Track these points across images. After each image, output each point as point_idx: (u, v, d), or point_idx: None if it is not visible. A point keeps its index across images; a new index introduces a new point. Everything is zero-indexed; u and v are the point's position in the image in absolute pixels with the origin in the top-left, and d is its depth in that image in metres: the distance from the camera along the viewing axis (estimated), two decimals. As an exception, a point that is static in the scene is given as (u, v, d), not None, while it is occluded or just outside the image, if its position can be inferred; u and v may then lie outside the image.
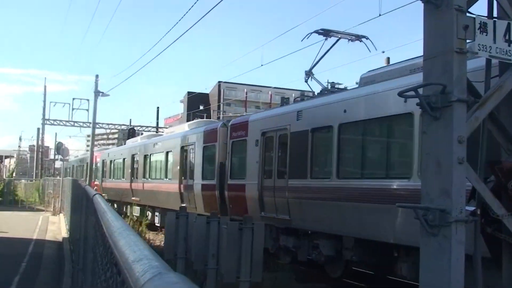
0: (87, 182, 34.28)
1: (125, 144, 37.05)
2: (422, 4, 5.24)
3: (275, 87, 74.51)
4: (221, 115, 63.38)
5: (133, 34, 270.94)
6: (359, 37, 16.20)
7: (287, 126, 14.53)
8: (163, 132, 40.18)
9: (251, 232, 10.87)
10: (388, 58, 34.72)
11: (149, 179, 26.22)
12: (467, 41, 5.02)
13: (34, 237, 20.61)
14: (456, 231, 4.67)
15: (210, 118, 61.12)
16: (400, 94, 5.18)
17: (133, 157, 29.00)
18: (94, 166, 38.76)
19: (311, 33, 15.81)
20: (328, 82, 17.05)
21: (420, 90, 5.06)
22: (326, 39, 16.15)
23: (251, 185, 15.93)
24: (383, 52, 34.53)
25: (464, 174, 4.82)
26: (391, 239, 10.78)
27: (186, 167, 21.31)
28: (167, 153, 23.75)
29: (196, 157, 20.40)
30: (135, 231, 2.37)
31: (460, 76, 4.92)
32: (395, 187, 10.84)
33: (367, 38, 16.17)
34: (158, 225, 24.66)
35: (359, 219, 11.81)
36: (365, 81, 13.07)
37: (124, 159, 30.96)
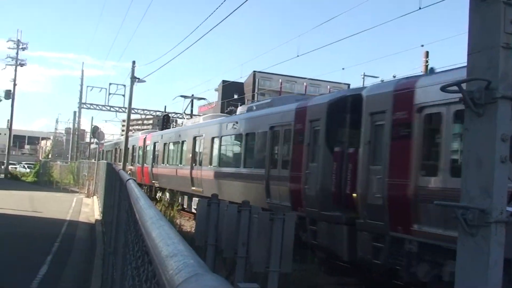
0: (122, 167, 34.67)
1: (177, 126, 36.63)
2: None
3: (310, 79, 74.16)
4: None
5: (171, 21, 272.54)
6: None
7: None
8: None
9: (282, 223, 10.82)
10: (427, 52, 34.22)
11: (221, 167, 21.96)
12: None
13: (68, 218, 20.93)
14: (496, 232, 4.52)
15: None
16: (443, 88, 5.03)
17: (195, 139, 25.25)
18: (142, 150, 35.30)
19: None
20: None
21: (464, 86, 4.91)
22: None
23: None
24: (422, 46, 34.07)
25: (506, 173, 4.66)
26: None
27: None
28: (247, 135, 19.81)
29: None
30: (168, 221, 2.31)
31: (506, 72, 4.75)
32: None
33: None
34: None
35: None
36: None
37: (183, 141, 27.14)
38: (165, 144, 30.59)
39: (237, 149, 21.61)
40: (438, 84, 8.43)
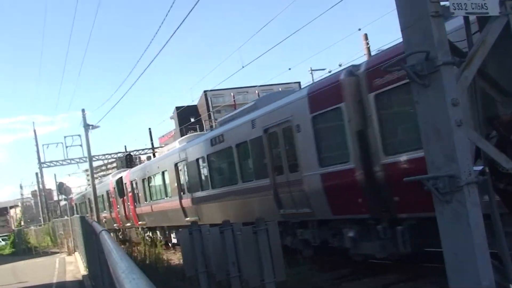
0: (95, 216, 34.15)
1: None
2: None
3: (260, 85, 74.48)
4: (214, 124, 63.29)
5: (112, 60, 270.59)
6: None
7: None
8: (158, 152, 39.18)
9: (266, 233, 10.83)
10: (366, 35, 34.74)
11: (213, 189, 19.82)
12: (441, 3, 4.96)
13: (54, 281, 20.53)
14: (470, 194, 4.61)
15: (203, 129, 61.04)
16: (386, 69, 5.12)
17: (177, 166, 23.16)
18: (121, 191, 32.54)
19: None
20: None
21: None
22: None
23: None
24: (359, 29, 34.64)
25: (465, 136, 4.76)
26: None
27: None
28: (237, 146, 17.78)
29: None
30: (141, 272, 2.28)
31: (441, 39, 4.86)
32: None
33: None
34: None
35: None
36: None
37: (163, 171, 25.04)
38: (143, 180, 28.19)
39: (229, 164, 18.59)
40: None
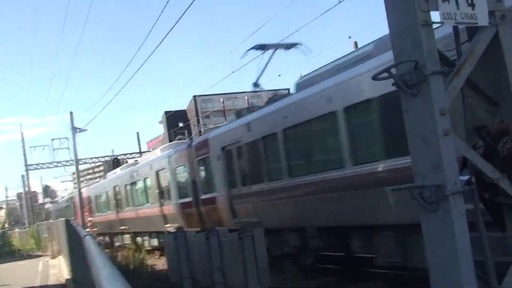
0: (80, 220, 34.01)
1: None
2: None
3: (250, 91, 74.41)
4: (202, 129, 63.17)
5: (102, 64, 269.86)
6: (293, 45, 17.72)
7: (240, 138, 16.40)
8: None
9: (252, 239, 10.80)
10: (356, 43, 34.89)
11: (133, 207, 27.98)
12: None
13: (37, 284, 20.34)
14: (455, 204, 4.61)
15: (191, 134, 60.87)
16: (375, 77, 5.12)
17: (114, 188, 31.57)
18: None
19: (249, 50, 17.10)
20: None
21: (394, 71, 5.01)
22: (263, 52, 17.35)
23: (221, 196, 17.83)
24: (350, 37, 34.83)
25: (452, 145, 4.76)
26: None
27: (163, 189, 23.56)
28: (144, 179, 25.91)
29: (170, 179, 22.49)
30: (124, 279, 2.24)
31: (431, 48, 4.87)
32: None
33: (301, 44, 17.70)
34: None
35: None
36: (300, 87, 14.16)
37: (107, 192, 33.47)
38: (95, 196, 36.68)
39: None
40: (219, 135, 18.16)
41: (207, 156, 18.61)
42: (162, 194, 23.22)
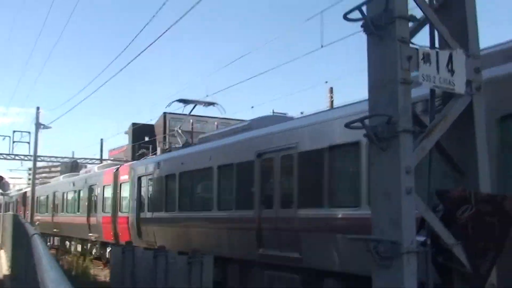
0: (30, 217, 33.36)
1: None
2: (366, 35, 5.27)
3: (221, 118, 74.33)
4: (167, 146, 62.67)
5: (77, 65, 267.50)
6: (210, 104, 21.15)
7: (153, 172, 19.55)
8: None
9: (200, 265, 10.70)
10: (331, 88, 35.34)
11: (65, 213, 30.99)
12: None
13: (-28, 277, 19.68)
14: (408, 262, 4.63)
15: (156, 149, 60.39)
16: (347, 125, 5.17)
17: (54, 194, 33.72)
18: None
19: (172, 102, 20.34)
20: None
21: (367, 122, 5.06)
22: (185, 106, 20.91)
23: (132, 217, 20.68)
24: (326, 82, 35.35)
25: (413, 204, 4.81)
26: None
27: (91, 203, 26.35)
28: (79, 191, 28.63)
29: (98, 195, 25.34)
30: (70, 284, 2.17)
31: (406, 106, 4.94)
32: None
33: (217, 104, 21.20)
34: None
35: None
36: (200, 140, 18.17)
37: (47, 195, 35.42)
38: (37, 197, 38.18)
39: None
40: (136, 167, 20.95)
41: (128, 181, 21.67)
42: (90, 206, 26.37)
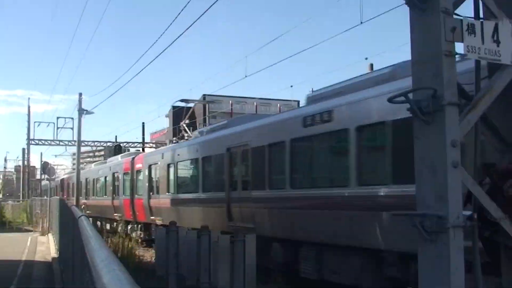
0: (75, 200, 34.07)
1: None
2: (408, 8, 5.17)
3: (260, 98, 74.28)
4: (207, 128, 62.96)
5: (117, 50, 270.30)
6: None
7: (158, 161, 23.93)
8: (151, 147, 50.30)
9: (243, 245, 10.74)
10: (372, 65, 34.86)
11: (95, 197, 35.73)
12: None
13: (23, 259, 20.28)
14: (454, 237, 4.57)
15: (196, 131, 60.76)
16: (390, 100, 5.09)
17: (86, 180, 38.29)
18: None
19: (176, 101, 26.17)
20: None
21: (410, 95, 4.98)
22: (187, 104, 27.64)
23: (144, 199, 25.06)
24: (366, 58, 34.88)
25: (459, 178, 4.73)
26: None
27: (115, 187, 30.90)
28: (105, 177, 32.95)
29: (120, 180, 30.07)
30: (121, 264, 2.20)
31: (451, 79, 4.84)
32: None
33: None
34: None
35: None
36: (201, 133, 21.70)
37: (86, 178, 38.64)
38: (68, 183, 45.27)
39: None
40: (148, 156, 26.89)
41: (141, 169, 26.02)
42: (114, 190, 30.90)
